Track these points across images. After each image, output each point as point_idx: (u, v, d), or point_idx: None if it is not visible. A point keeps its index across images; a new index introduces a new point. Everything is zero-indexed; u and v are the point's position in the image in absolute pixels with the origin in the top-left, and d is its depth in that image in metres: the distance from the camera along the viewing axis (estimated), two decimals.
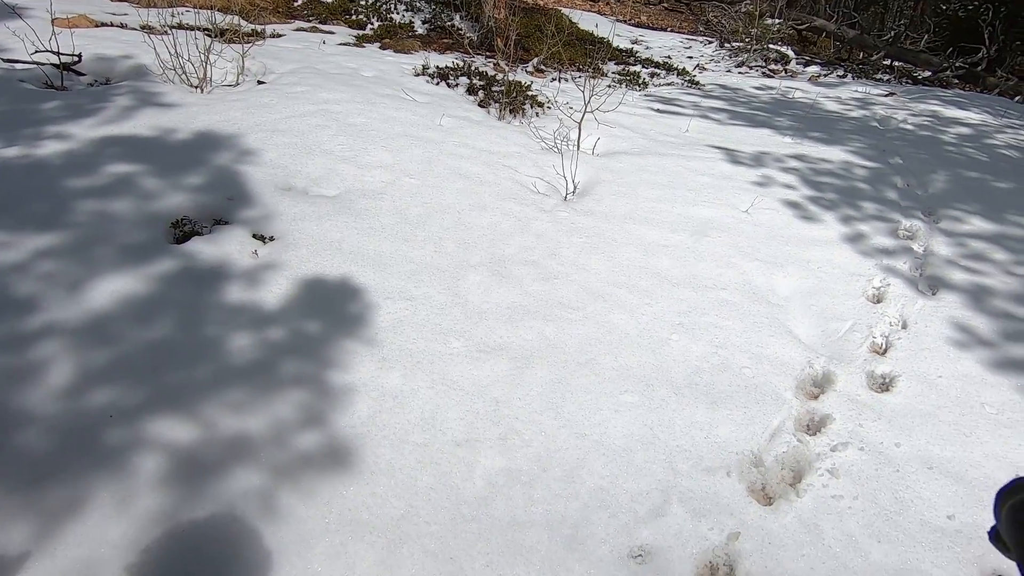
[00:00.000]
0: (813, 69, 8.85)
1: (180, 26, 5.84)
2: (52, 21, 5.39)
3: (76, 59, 4.21)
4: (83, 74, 4.32)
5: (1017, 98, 8.31)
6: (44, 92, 3.79)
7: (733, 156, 4.58)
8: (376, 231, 2.89)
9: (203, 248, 2.51)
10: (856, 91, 7.48)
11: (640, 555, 1.73)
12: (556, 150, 4.22)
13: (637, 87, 6.87)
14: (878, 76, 8.78)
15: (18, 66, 4.09)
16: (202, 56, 4.29)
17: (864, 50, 10.40)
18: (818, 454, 2.14)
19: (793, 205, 3.89)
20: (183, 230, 2.58)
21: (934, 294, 3.21)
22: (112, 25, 5.69)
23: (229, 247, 2.55)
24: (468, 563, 1.62)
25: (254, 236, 2.69)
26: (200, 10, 6.45)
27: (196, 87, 4.25)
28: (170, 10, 6.65)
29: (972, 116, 6.46)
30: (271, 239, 2.69)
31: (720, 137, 5.09)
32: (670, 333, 2.60)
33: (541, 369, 2.29)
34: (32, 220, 2.45)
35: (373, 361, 2.17)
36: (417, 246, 2.86)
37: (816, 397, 2.46)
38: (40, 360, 1.91)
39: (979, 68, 9.21)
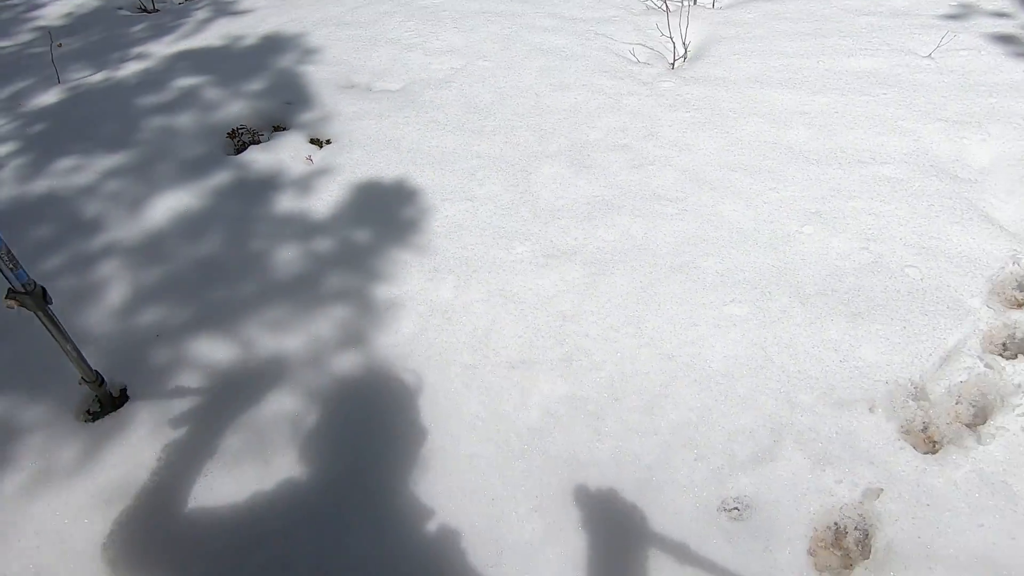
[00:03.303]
0: None
1: None
2: None
3: None
4: None
5: None
6: (136, 16, 3.84)
7: None
8: (439, 125, 2.54)
9: (258, 157, 2.36)
10: None
11: (735, 508, 1.35)
12: (663, 8, 3.43)
13: None
14: None
15: None
16: None
17: None
18: (1018, 385, 1.52)
19: (1005, 40, 2.79)
20: (241, 140, 2.46)
21: None
22: None
23: (283, 154, 2.38)
24: (511, 506, 1.37)
25: (311, 140, 2.49)
26: None
27: None
28: None
29: None
30: (327, 142, 2.48)
31: None
32: (801, 225, 2.00)
33: (622, 276, 1.87)
34: (103, 142, 2.47)
35: (423, 272, 1.91)
36: (485, 138, 2.47)
37: (1021, 305, 1.76)
38: (100, 281, 1.92)
39: None
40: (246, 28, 3.34)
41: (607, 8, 3.49)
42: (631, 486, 1.40)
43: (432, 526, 1.35)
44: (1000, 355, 1.62)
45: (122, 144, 2.46)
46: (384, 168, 2.31)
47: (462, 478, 1.42)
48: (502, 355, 1.68)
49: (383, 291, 1.86)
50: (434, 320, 1.77)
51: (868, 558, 1.28)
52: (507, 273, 1.90)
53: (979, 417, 1.50)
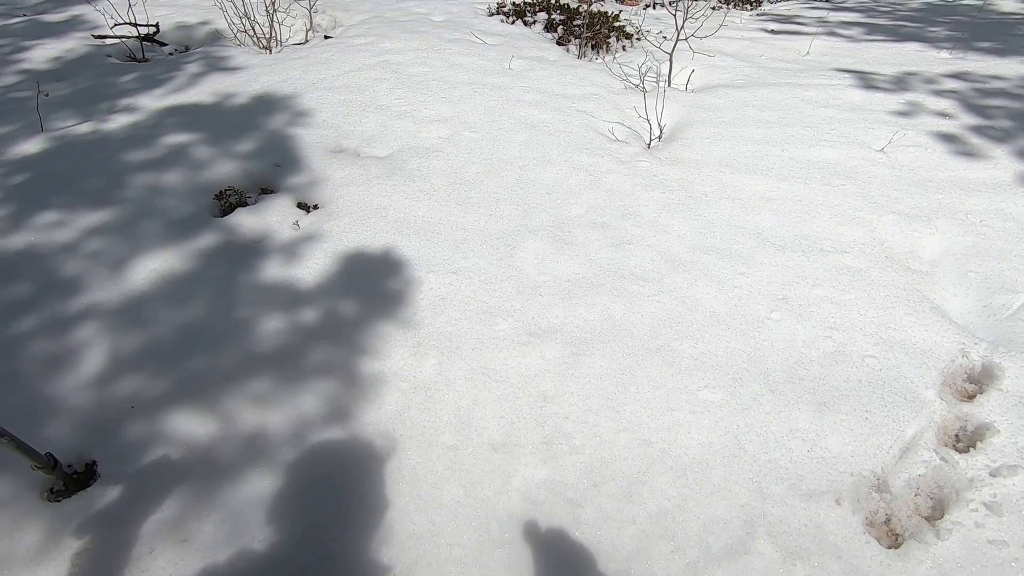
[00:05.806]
0: None
1: None
2: None
3: (154, 29, 4.27)
4: (165, 44, 4.39)
5: None
6: (126, 65, 3.88)
7: (867, 80, 3.72)
8: (426, 194, 2.61)
9: (245, 220, 2.38)
10: None
11: None
12: (640, 89, 3.65)
13: (749, 5, 5.88)
14: None
15: (107, 41, 4.23)
16: (268, 15, 4.18)
17: None
18: (971, 479, 1.61)
19: (948, 139, 3.06)
20: (228, 201, 2.48)
21: None
22: None
23: (271, 218, 2.41)
24: None
25: (298, 205, 2.53)
26: None
27: (265, 48, 4.16)
28: None
29: None
30: (315, 207, 2.52)
31: (851, 58, 4.17)
32: (769, 311, 2.11)
33: (601, 357, 1.93)
34: (87, 197, 2.46)
35: (407, 347, 1.93)
36: (470, 210, 2.55)
37: (971, 398, 1.88)
38: (75, 346, 1.89)
39: None
40: (238, 86, 3.41)
41: (587, 86, 3.69)
42: None
43: None
44: (954, 448, 1.73)
45: (107, 200, 2.45)
46: (371, 237, 2.36)
47: (443, 569, 1.42)
48: (484, 436, 1.70)
49: (367, 365, 1.87)
50: (417, 397, 1.79)
51: None
52: (490, 350, 1.94)
53: (937, 510, 1.59)
